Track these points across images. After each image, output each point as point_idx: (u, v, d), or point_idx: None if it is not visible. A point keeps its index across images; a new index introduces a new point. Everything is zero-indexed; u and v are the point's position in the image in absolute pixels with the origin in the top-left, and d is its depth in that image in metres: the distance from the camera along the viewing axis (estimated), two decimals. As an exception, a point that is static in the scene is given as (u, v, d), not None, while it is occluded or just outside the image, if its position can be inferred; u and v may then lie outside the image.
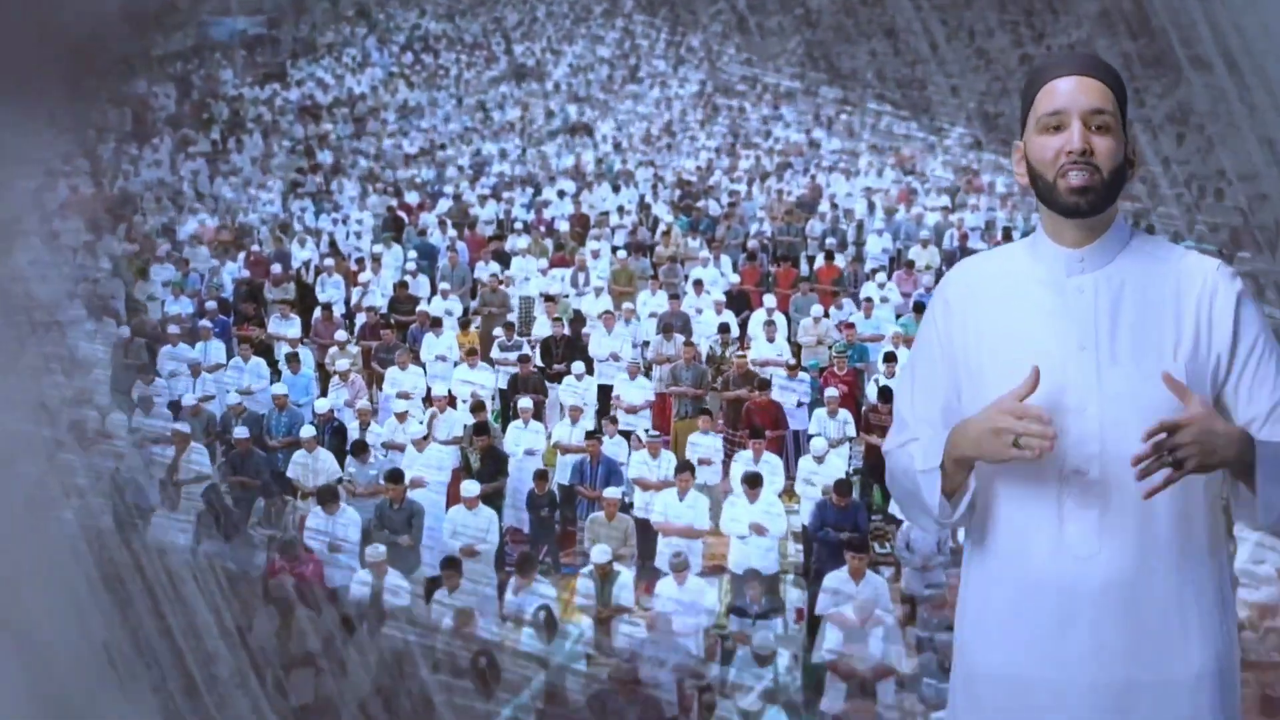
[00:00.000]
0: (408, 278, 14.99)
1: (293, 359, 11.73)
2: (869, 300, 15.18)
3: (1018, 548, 2.07)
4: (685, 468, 10.33)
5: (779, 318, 14.64)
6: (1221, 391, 2.05)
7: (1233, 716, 2.08)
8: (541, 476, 10.79)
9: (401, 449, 10.70)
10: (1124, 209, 2.16)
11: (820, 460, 11.33)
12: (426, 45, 33.14)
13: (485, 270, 15.45)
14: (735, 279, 16.03)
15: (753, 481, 10.32)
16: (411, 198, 19.79)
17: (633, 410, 12.69)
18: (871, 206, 20.41)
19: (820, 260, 17.41)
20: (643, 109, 27.75)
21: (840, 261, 17.47)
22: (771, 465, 11.20)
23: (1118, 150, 2.03)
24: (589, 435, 10.96)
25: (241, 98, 28.44)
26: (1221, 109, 16.20)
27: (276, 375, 11.97)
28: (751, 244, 17.71)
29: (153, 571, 7.90)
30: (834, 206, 19.89)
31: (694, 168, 22.94)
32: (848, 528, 10.10)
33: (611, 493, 9.94)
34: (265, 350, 12.66)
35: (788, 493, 11.53)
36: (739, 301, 15.72)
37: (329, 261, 15.06)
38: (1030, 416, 1.94)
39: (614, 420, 11.57)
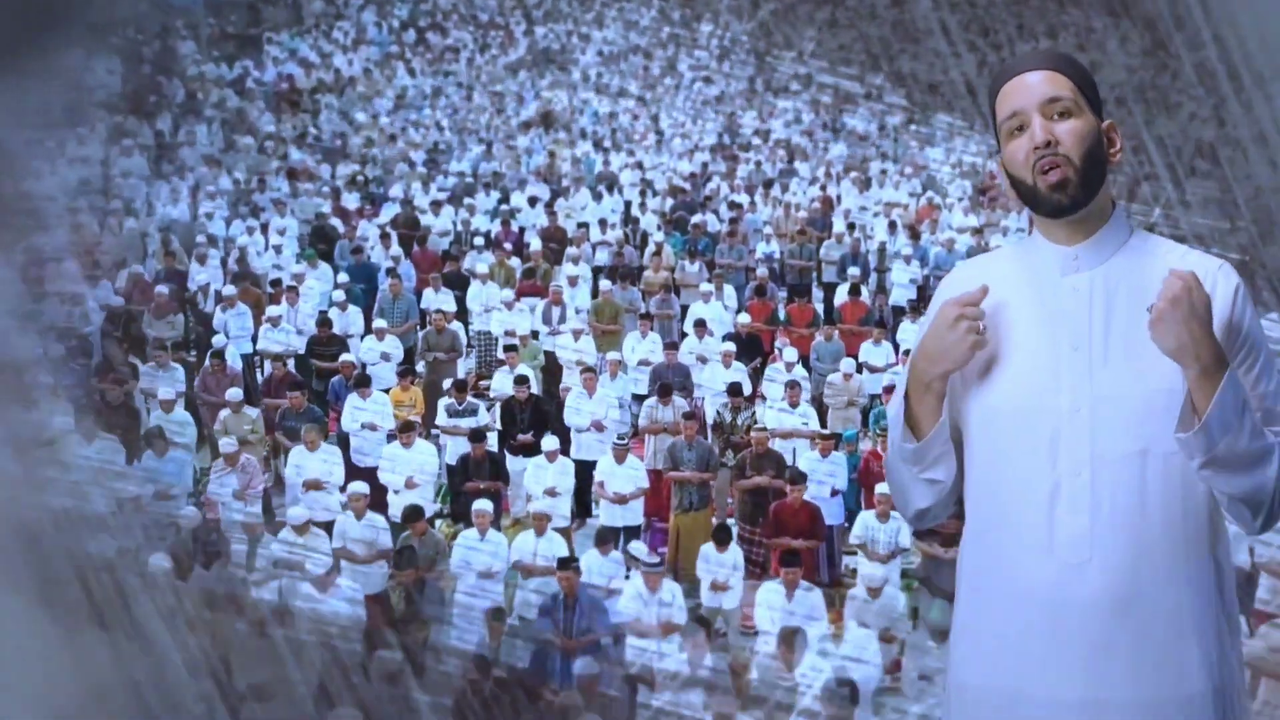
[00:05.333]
0: (334, 310, 11.79)
1: (155, 437, 8.54)
2: (909, 352, 12.18)
3: (1008, 553, 1.99)
4: (702, 625, 7.32)
5: (801, 374, 11.67)
6: None
7: None
8: (497, 617, 7.77)
9: (300, 570, 7.65)
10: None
11: (876, 594, 8.39)
12: (434, 22, 29.05)
13: (436, 300, 12.32)
14: (745, 319, 13.01)
15: (791, 641, 7.39)
16: (350, 200, 16.42)
17: (621, 500, 9.72)
18: (893, 226, 17.46)
19: (842, 293, 14.44)
20: (627, 104, 24.32)
21: (864, 295, 14.54)
22: (811, 604, 8.26)
23: (1086, 132, 1.98)
24: (563, 563, 7.91)
25: (203, 77, 24.30)
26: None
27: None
28: (760, 271, 14.69)
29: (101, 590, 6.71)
30: (851, 227, 16.91)
31: (688, 173, 19.80)
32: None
33: (587, 668, 6.88)
34: (134, 413, 9.46)
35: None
36: (748, 346, 12.72)
37: (229, 290, 11.68)
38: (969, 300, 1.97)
39: (610, 540, 8.57)
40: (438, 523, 9.82)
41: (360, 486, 8.25)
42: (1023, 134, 1.98)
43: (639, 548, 8.52)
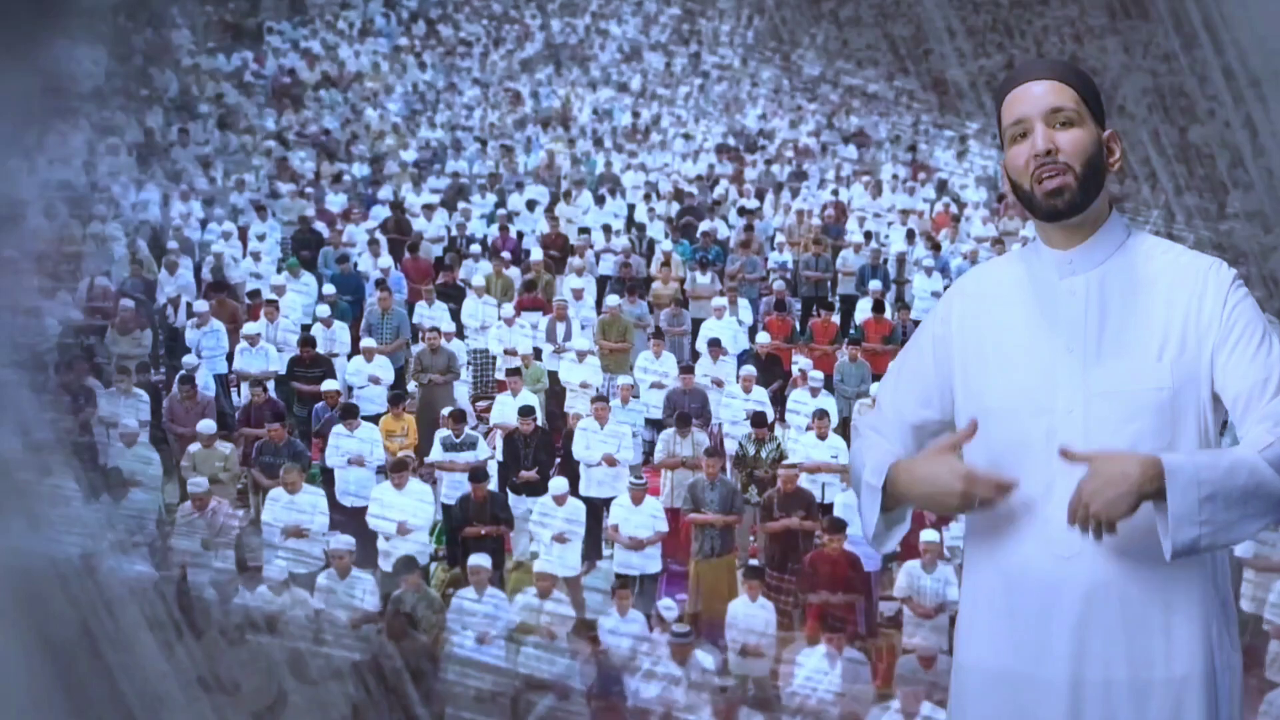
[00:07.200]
0: (318, 326, 10.74)
1: (114, 480, 7.52)
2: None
3: (1004, 545, 2.06)
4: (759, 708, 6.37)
5: (829, 401, 10.70)
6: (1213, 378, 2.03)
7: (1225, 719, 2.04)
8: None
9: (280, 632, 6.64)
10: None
11: (930, 664, 7.44)
12: (445, 14, 27.66)
13: (429, 315, 11.29)
14: (764, 338, 12.01)
15: (848, 725, 6.43)
16: (336, 202, 15.30)
17: (638, 546, 8.76)
18: (911, 235, 16.50)
19: (863, 308, 13.46)
20: (637, 102, 23.14)
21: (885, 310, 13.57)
22: (857, 672, 7.31)
23: (1086, 142, 2.03)
24: (580, 629, 6.92)
25: (198, 69, 23.00)
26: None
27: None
28: (777, 284, 13.69)
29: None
30: (869, 236, 15.92)
31: (694, 176, 18.74)
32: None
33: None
34: (92, 445, 8.42)
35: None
36: (767, 366, 11.74)
37: (201, 305, 10.62)
38: (988, 484, 1.98)
39: (629, 587, 7.62)
40: (433, 566, 8.85)
41: (344, 542, 7.23)
42: (1025, 140, 2.03)
43: (669, 608, 7.55)
